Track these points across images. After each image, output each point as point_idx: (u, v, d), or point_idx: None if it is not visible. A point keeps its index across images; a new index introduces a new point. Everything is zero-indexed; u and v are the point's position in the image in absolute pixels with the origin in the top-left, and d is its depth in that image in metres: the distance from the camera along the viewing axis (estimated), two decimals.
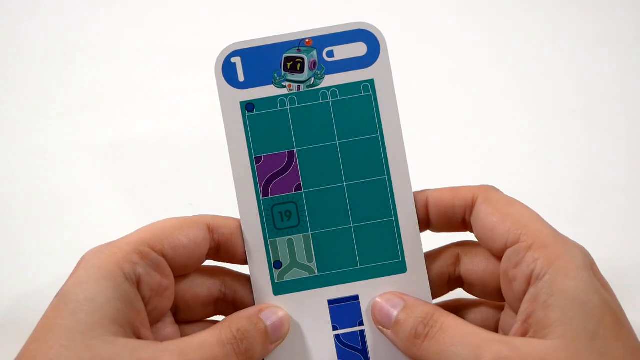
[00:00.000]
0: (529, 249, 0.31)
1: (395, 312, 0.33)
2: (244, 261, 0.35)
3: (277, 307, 0.34)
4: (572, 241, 0.32)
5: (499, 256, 0.33)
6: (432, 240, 0.36)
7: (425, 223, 0.35)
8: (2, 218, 0.51)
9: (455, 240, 0.36)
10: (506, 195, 0.34)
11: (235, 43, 0.34)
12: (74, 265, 0.32)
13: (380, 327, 0.34)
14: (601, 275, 0.31)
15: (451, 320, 0.31)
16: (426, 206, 0.35)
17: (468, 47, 0.62)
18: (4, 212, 0.51)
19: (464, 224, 0.35)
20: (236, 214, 0.35)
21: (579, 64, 0.60)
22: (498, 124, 0.56)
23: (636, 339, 0.30)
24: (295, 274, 0.35)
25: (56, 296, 0.30)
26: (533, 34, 0.63)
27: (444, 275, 0.35)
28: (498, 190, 0.34)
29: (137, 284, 0.31)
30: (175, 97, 0.59)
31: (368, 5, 0.64)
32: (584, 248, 0.32)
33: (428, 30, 0.63)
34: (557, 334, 0.29)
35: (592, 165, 0.53)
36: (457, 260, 0.35)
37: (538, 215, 0.33)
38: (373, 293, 0.34)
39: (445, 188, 0.35)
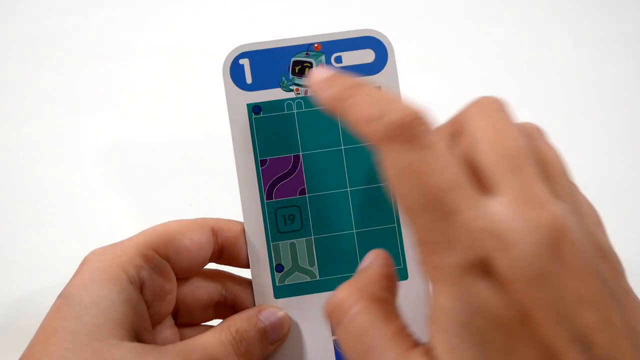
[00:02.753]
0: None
1: None
2: (246, 265, 0.35)
3: (276, 308, 0.34)
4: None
5: None
6: None
7: None
8: (2, 218, 0.50)
9: None
10: None
11: (244, 44, 0.34)
12: (74, 265, 0.31)
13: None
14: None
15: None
16: None
17: (474, 53, 0.62)
18: (4, 212, 0.51)
19: None
20: (236, 214, 0.35)
21: (577, 65, 0.61)
22: None
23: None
24: (296, 278, 0.35)
25: (59, 297, 0.30)
26: (534, 37, 0.63)
27: None
28: None
29: (140, 287, 0.31)
30: (175, 97, 0.58)
31: (377, 12, 0.64)
32: None
33: (435, 37, 0.64)
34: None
35: (592, 166, 0.54)
36: None
37: None
38: None
39: None
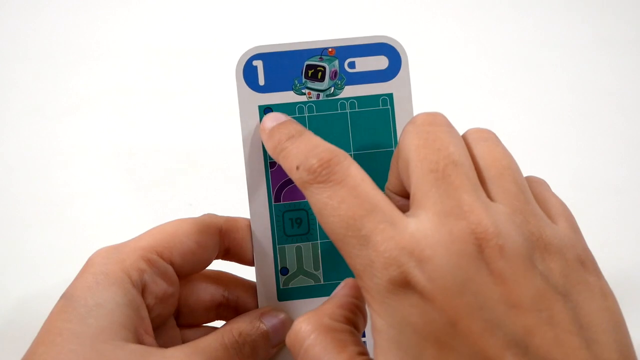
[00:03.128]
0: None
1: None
2: (251, 263, 0.35)
3: (278, 311, 0.34)
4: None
5: None
6: None
7: None
8: (4, 219, 0.50)
9: None
10: None
11: (258, 46, 0.34)
12: (75, 265, 0.31)
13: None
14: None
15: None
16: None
17: (488, 61, 0.63)
18: (5, 212, 0.50)
19: None
20: (236, 214, 0.35)
21: (576, 65, 0.61)
22: (497, 126, 0.57)
23: None
24: (300, 281, 0.35)
25: (62, 298, 0.30)
26: (530, 37, 0.64)
27: None
28: None
29: (143, 291, 0.31)
30: (176, 98, 0.58)
31: (392, 18, 0.64)
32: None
33: (449, 45, 0.64)
34: None
35: (589, 166, 0.55)
36: None
37: None
38: None
39: None
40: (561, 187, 0.52)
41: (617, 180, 0.54)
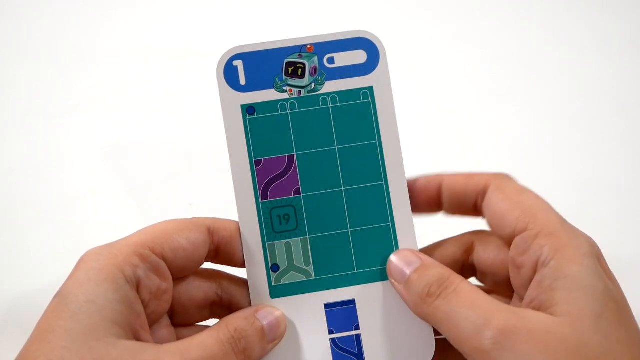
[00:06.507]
0: (536, 236, 0.31)
1: (408, 271, 0.33)
2: (242, 264, 0.35)
3: (273, 308, 0.34)
4: (580, 231, 0.32)
5: (508, 244, 0.33)
6: (446, 230, 0.37)
7: (437, 205, 0.36)
8: (2, 218, 0.50)
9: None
10: (519, 184, 0.34)
11: (237, 46, 0.35)
12: (72, 265, 0.31)
13: (393, 281, 0.34)
14: (607, 267, 0.32)
15: (466, 286, 0.32)
16: (439, 189, 0.36)
17: (467, 51, 0.63)
18: (4, 212, 0.51)
19: (475, 210, 0.35)
20: (235, 215, 0.35)
21: (578, 66, 0.62)
22: (497, 126, 0.57)
23: (637, 329, 0.30)
24: (292, 277, 0.35)
25: (55, 297, 0.30)
26: (531, 37, 0.64)
27: (457, 263, 0.36)
28: (512, 178, 0.35)
29: (137, 286, 0.31)
30: (177, 97, 0.59)
31: (369, 12, 0.65)
32: (591, 239, 0.32)
33: (427, 39, 0.64)
34: (563, 312, 0.29)
35: (590, 166, 0.55)
36: (472, 248, 0.36)
37: (548, 205, 0.33)
38: (369, 297, 0.35)
39: (460, 174, 0.36)
40: (562, 188, 0.53)
41: (619, 181, 0.54)
